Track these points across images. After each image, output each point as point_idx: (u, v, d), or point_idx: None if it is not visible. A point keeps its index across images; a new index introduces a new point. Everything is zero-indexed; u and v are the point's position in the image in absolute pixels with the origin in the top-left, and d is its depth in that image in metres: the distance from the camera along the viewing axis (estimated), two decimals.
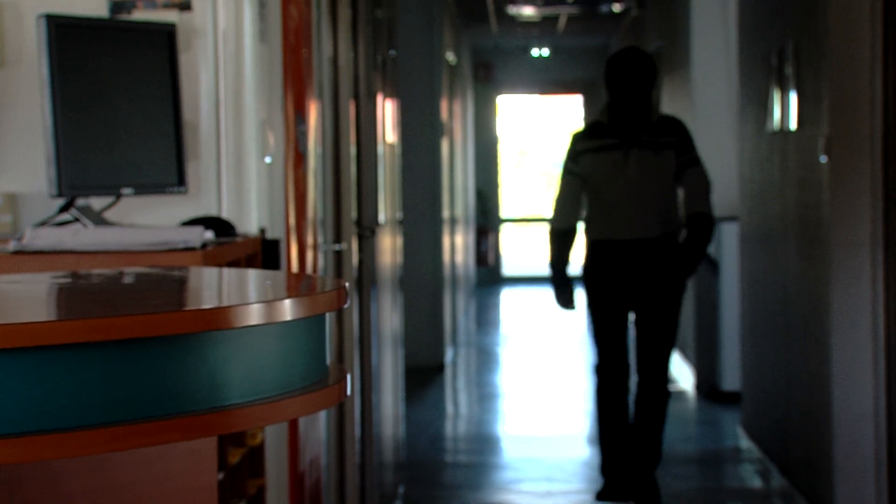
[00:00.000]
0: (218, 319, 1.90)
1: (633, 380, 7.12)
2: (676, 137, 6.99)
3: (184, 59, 3.80)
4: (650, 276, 6.99)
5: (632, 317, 7.17)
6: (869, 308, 6.08)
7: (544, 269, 6.94)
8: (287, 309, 1.98)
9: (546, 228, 7.33)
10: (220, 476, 3.26)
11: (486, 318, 17.62)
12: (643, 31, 15.20)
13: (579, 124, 7.81)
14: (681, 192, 7.03)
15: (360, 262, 5.94)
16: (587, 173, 7.07)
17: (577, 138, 7.17)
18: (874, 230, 6.01)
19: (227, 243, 3.49)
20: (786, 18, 7.19)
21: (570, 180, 7.16)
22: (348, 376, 2.16)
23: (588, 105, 21.84)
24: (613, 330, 7.13)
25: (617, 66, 6.95)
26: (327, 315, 2.15)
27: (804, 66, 6.72)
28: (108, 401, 1.79)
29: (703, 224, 7.00)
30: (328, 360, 2.17)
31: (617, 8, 15.67)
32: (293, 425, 4.35)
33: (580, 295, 7.21)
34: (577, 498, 7.54)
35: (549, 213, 7.27)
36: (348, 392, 2.14)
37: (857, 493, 6.13)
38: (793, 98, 6.92)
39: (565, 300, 7.36)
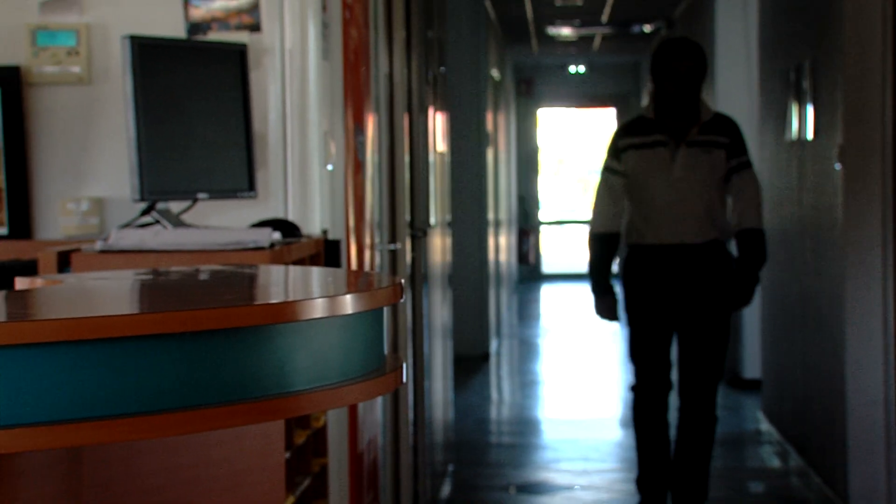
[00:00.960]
0: (285, 313, 1.90)
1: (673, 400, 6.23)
2: (729, 138, 5.89)
3: (254, 76, 3.81)
4: (694, 286, 5.91)
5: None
6: (880, 303, 6.04)
7: (582, 268, 6.28)
8: (348, 303, 1.98)
9: (586, 233, 6.17)
10: (287, 455, 3.26)
11: (527, 311, 17.60)
12: None
13: (620, 123, 6.62)
14: (730, 200, 6.05)
15: (413, 260, 5.95)
16: (630, 171, 5.95)
17: (620, 134, 6.04)
18: (884, 231, 5.97)
19: (292, 243, 3.49)
20: (803, 37, 7.15)
21: (612, 180, 6.01)
22: (403, 365, 2.16)
23: (621, 117, 21.80)
24: (653, 342, 6.00)
25: (666, 56, 5.86)
26: (384, 309, 2.14)
27: (820, 80, 6.67)
28: (185, 387, 1.79)
29: (756, 245, 5.95)
30: (385, 350, 2.17)
31: (647, 28, 15.63)
32: (353, 409, 4.36)
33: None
34: (611, 476, 7.52)
35: (589, 217, 6.14)
36: (403, 379, 2.14)
37: (869, 472, 6.09)
38: (809, 110, 6.87)
39: (607, 310, 6.13)
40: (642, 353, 6.05)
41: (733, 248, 6.10)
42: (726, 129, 5.92)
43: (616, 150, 6.00)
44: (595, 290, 6.14)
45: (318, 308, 1.93)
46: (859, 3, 6.02)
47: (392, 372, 2.09)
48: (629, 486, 7.24)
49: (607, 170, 6.04)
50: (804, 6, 7.17)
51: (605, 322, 6.20)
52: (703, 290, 5.91)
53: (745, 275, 5.98)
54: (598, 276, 6.11)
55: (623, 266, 6.13)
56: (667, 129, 5.89)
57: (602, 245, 6.06)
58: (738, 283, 5.98)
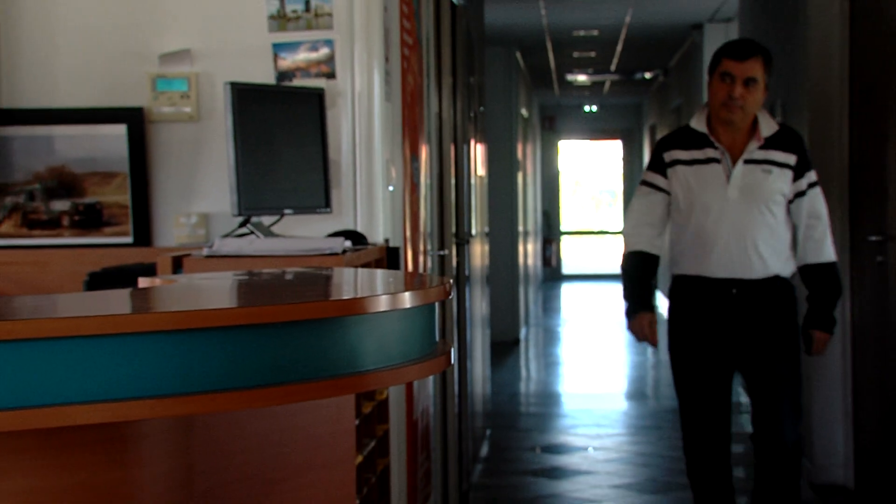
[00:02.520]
0: (356, 307, 1.90)
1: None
2: (796, 155, 4.20)
3: (330, 114, 3.82)
4: (752, 328, 4.19)
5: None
6: None
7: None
8: (406, 299, 1.98)
9: (620, 253, 4.46)
10: (356, 422, 3.26)
11: (550, 305, 17.55)
12: (668, 92, 15.06)
13: (665, 133, 5.26)
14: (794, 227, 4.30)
15: (458, 263, 5.94)
16: (676, 190, 4.24)
17: (665, 145, 4.30)
18: (842, 241, 5.92)
19: (361, 250, 3.49)
20: (776, 81, 7.10)
21: (653, 197, 4.30)
22: (451, 349, 2.15)
23: (626, 148, 21.72)
24: (704, 392, 4.23)
25: (722, 58, 4.21)
26: (435, 303, 2.14)
27: (789, 117, 6.63)
28: (275, 367, 1.79)
29: (830, 280, 4.25)
30: (437, 337, 2.16)
31: (648, 75, 15.59)
32: (409, 385, 4.35)
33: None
34: (619, 439, 7.49)
35: (623, 234, 4.43)
36: (452, 361, 2.13)
37: (829, 437, 6.05)
38: None
39: (641, 329, 4.32)
40: (692, 405, 4.27)
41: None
42: (792, 144, 4.23)
43: (661, 164, 4.28)
44: (628, 310, 4.37)
45: (382, 303, 1.92)
46: (822, 58, 6.00)
47: (442, 355, 2.08)
48: (634, 447, 7.20)
49: (648, 185, 4.32)
50: (776, 55, 7.12)
51: (644, 344, 4.35)
52: (763, 332, 4.20)
53: (819, 317, 4.27)
54: (631, 295, 4.36)
55: (669, 302, 4.39)
56: (721, 144, 4.21)
57: (637, 264, 4.34)
58: (812, 325, 4.27)
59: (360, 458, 3.31)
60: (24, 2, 3.84)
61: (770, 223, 4.20)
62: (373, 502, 3.39)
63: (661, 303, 10.89)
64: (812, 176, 4.24)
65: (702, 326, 4.24)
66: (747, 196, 4.18)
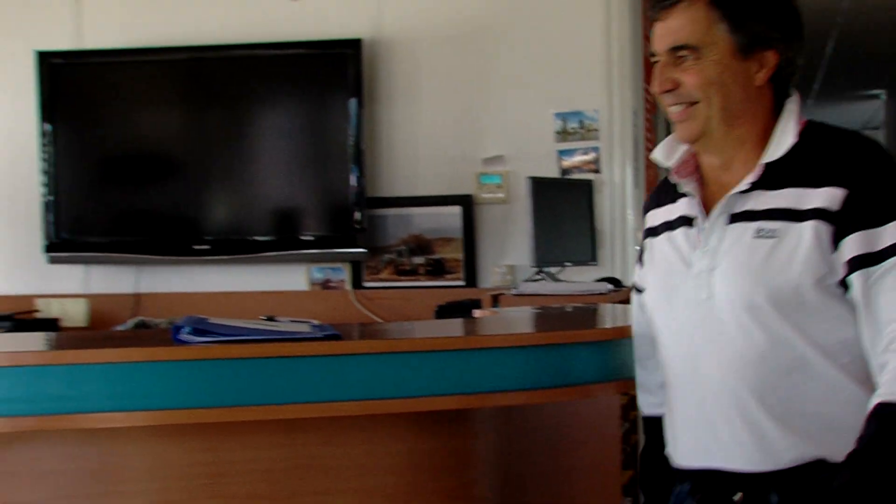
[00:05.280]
0: (619, 332, 1.85)
1: None
2: (846, 187, 1.14)
3: (596, 198, 3.80)
4: None
5: None
6: None
7: None
8: None
9: None
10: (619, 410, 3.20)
11: None
12: None
13: None
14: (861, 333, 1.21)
15: None
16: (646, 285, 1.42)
17: (647, 204, 1.48)
18: None
19: (618, 291, 3.44)
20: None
21: (635, 307, 1.57)
22: None
23: None
24: None
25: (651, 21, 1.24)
26: None
27: None
28: (563, 373, 1.76)
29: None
30: None
31: None
32: None
33: None
34: None
35: None
36: None
37: None
38: None
39: None
40: None
41: None
42: (834, 165, 1.17)
43: (641, 245, 1.52)
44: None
45: None
46: None
47: None
48: None
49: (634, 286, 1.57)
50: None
51: None
52: None
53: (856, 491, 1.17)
54: (642, 479, 1.52)
55: None
56: (693, 186, 1.33)
57: (645, 439, 1.53)
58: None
59: (625, 426, 3.23)
60: (396, 127, 4.02)
61: (791, 346, 1.27)
62: (628, 466, 3.31)
63: None
64: (890, 231, 1.22)
65: None
66: (726, 289, 1.32)
